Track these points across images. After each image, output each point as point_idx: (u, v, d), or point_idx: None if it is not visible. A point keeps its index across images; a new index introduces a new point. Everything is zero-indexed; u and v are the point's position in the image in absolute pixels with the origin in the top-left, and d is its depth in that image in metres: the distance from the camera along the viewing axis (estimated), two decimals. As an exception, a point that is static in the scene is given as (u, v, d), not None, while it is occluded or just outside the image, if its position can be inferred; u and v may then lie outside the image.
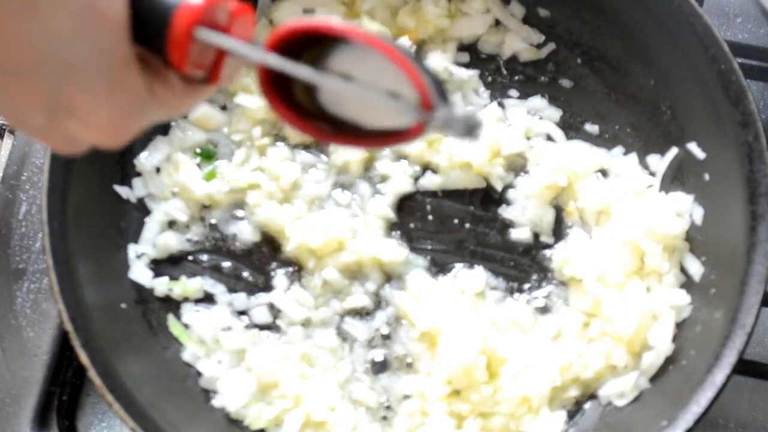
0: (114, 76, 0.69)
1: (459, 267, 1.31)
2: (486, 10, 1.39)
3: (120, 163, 1.31)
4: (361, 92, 0.71)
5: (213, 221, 1.32)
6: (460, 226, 1.33)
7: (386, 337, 1.28)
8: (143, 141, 1.32)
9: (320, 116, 0.76)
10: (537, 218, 1.31)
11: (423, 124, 0.70)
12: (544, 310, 1.29)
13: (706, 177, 1.25)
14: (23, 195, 1.38)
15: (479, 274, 1.29)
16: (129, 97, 0.71)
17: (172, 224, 1.31)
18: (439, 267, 1.31)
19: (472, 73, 1.37)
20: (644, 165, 1.32)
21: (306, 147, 1.35)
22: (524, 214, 1.32)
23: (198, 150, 1.34)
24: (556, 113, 1.37)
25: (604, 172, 1.33)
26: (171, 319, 1.27)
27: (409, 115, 0.70)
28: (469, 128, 0.68)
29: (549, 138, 1.36)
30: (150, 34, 0.71)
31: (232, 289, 1.30)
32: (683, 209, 1.26)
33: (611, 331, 1.22)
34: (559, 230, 1.32)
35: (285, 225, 1.29)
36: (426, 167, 1.35)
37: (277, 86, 0.75)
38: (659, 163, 1.31)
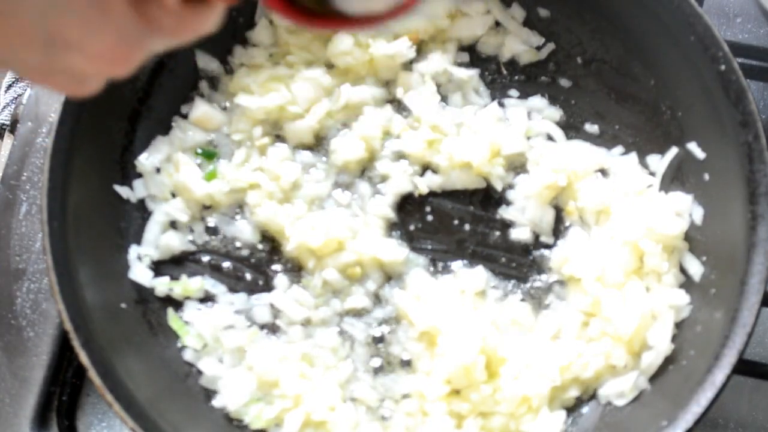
0: (101, 3, 0.68)
1: (459, 267, 1.31)
2: (486, 11, 1.39)
3: (120, 164, 1.31)
4: None
5: (213, 221, 1.32)
6: (460, 226, 1.33)
7: (385, 337, 1.28)
8: (143, 141, 1.32)
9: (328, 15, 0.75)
10: (537, 218, 1.31)
11: None
12: (544, 309, 1.29)
13: (706, 177, 1.25)
14: (23, 195, 1.38)
15: (479, 273, 1.29)
16: (119, 24, 0.70)
17: (173, 225, 1.31)
18: (439, 267, 1.31)
19: (472, 73, 1.37)
20: (644, 165, 1.32)
21: (306, 147, 1.35)
22: (524, 214, 1.32)
23: (198, 150, 1.34)
24: (556, 113, 1.37)
25: (604, 172, 1.33)
26: (170, 312, 1.27)
27: None
28: None
29: (549, 138, 1.35)
30: None
31: (232, 289, 1.30)
32: (683, 209, 1.26)
33: (611, 330, 1.22)
34: (558, 230, 1.32)
35: (285, 225, 1.29)
36: (426, 167, 1.35)
37: None
38: (659, 163, 1.30)
